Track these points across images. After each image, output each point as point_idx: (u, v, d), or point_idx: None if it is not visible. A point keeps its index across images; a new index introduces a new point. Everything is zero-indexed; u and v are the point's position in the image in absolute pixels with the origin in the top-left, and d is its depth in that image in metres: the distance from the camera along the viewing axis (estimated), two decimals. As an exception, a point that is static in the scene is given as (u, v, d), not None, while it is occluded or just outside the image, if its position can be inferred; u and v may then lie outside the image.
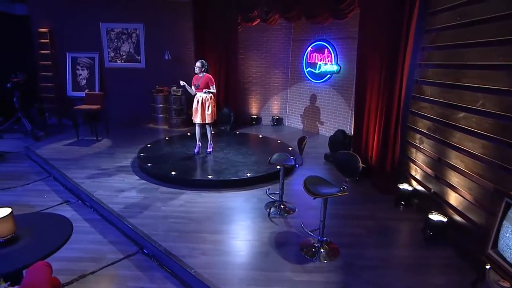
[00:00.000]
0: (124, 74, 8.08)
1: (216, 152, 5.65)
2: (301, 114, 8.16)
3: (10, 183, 4.61)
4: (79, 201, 4.19)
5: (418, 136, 4.07)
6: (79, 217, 3.78)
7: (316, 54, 7.37)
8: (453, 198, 3.32)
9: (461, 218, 3.18)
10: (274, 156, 3.86)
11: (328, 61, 7.11)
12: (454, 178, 3.30)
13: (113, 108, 7.82)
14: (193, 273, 2.70)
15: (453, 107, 3.38)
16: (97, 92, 7.72)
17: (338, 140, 5.67)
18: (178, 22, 7.76)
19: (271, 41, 8.05)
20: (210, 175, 4.64)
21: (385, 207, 4.06)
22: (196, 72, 5.18)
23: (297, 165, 3.75)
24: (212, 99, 5.29)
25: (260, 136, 7.12)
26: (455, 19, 3.36)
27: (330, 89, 7.31)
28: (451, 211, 3.34)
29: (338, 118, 7.23)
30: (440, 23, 3.65)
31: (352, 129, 5.92)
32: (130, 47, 7.97)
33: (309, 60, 7.57)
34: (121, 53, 8.00)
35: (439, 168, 3.60)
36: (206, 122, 5.29)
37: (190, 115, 5.74)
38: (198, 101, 5.23)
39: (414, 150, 4.18)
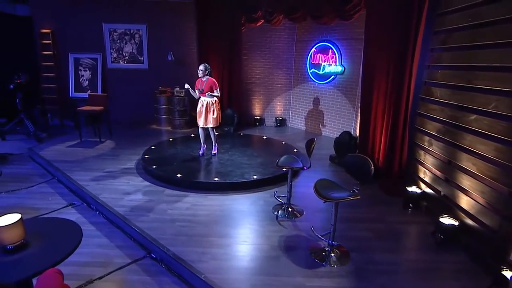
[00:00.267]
0: (127, 75, 8.03)
1: (221, 154, 5.61)
2: (304, 115, 8.12)
3: (14, 186, 4.57)
4: (84, 203, 4.15)
5: (426, 138, 4.03)
6: (85, 220, 3.74)
7: (320, 55, 7.32)
8: (464, 202, 3.28)
9: (473, 222, 3.14)
10: (282, 159, 3.82)
11: (332, 62, 7.06)
12: (466, 181, 3.26)
13: (115, 109, 7.76)
14: (203, 278, 2.66)
15: (464, 109, 3.33)
16: (99, 93, 7.68)
17: (344, 141, 5.61)
18: (181, 22, 7.71)
19: (275, 42, 8.01)
20: (216, 177, 4.60)
21: (393, 210, 4.02)
22: (199, 75, 5.12)
23: (305, 167, 3.71)
24: (216, 102, 5.24)
25: (264, 137, 7.07)
26: (466, 20, 3.33)
27: (334, 90, 7.27)
28: (463, 215, 3.29)
29: (342, 120, 7.19)
30: (450, 24, 3.61)
31: (357, 131, 5.89)
32: (132, 48, 7.92)
33: (313, 61, 7.52)
34: (124, 54, 7.95)
35: (449, 170, 3.56)
36: (211, 126, 5.24)
37: (194, 116, 5.69)
38: (202, 105, 5.18)
39: (422, 152, 4.14)
